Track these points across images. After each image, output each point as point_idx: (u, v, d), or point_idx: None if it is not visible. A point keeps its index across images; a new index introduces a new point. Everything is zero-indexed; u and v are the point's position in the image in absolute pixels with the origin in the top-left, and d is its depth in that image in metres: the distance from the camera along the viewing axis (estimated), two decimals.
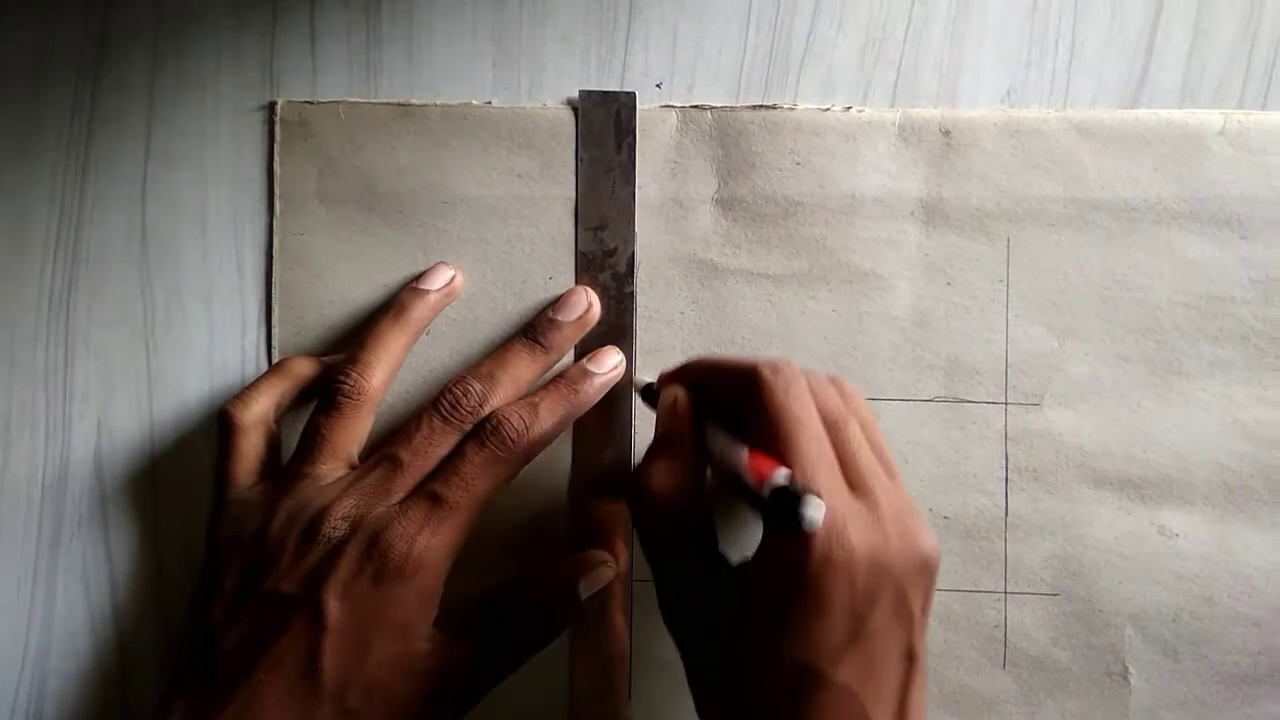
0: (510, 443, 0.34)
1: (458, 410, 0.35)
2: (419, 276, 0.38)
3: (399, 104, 0.38)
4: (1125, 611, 0.38)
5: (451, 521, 0.33)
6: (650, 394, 0.36)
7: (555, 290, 0.38)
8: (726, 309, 0.38)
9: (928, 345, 0.38)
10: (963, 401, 0.38)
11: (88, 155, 0.38)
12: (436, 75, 0.39)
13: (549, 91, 0.39)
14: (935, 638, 0.38)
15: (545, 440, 0.35)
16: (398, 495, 0.34)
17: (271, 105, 0.38)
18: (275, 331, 0.38)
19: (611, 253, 0.38)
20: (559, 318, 0.37)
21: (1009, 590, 0.38)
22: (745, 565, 0.31)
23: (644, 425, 0.38)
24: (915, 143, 0.38)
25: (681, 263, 0.38)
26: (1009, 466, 0.38)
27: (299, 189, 0.38)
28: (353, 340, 0.37)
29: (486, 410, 0.35)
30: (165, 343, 0.38)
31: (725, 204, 0.38)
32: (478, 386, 0.35)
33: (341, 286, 0.38)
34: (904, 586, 0.29)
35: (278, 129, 0.38)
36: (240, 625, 0.33)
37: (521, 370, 0.36)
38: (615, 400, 0.38)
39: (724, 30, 0.39)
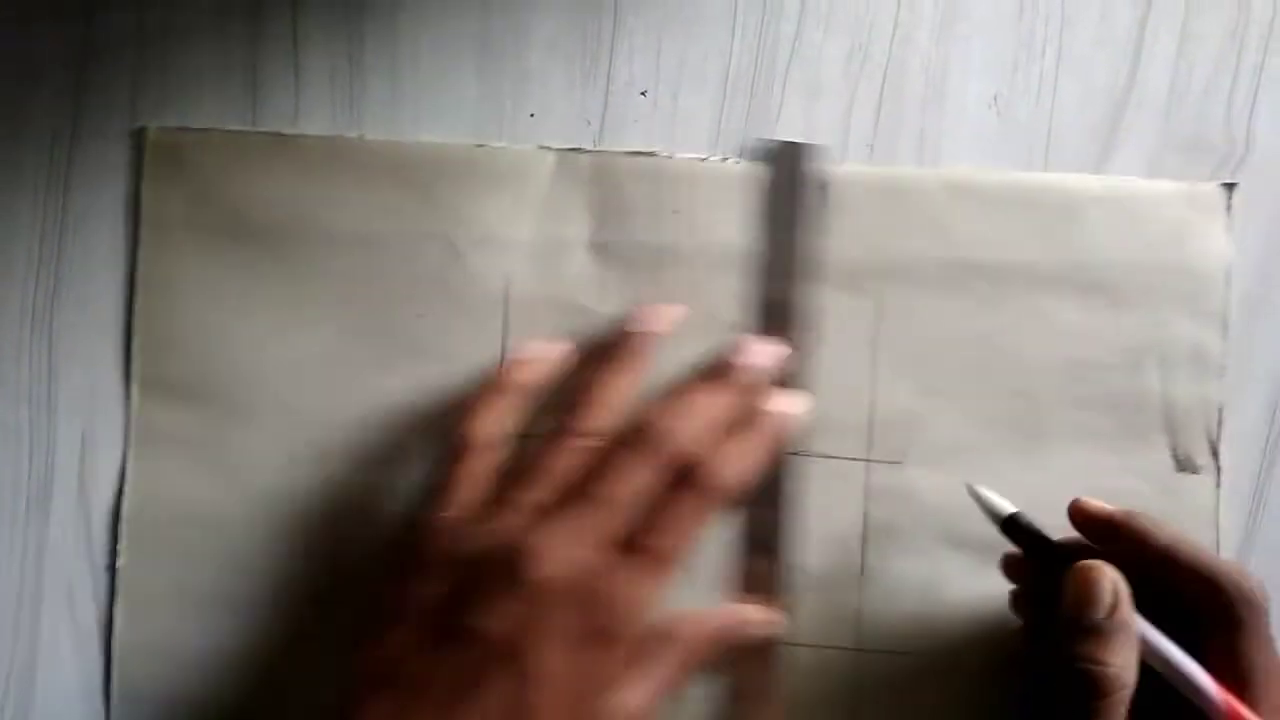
0: (717, 491, 0.34)
1: (653, 446, 0.34)
2: (636, 317, 0.37)
3: (274, 133, 0.38)
4: (980, 673, 0.38)
5: (663, 576, 0.33)
6: (1015, 528, 0.34)
7: (425, 329, 0.38)
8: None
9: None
10: (827, 457, 0.38)
11: (70, 167, 0.38)
12: (420, 105, 0.39)
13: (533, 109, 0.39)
14: (791, 693, 0.38)
15: (746, 484, 0.35)
16: (605, 539, 0.33)
17: (141, 131, 0.38)
18: (135, 361, 0.38)
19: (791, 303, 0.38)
20: (745, 363, 0.37)
21: (860, 647, 0.38)
22: None
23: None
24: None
25: (555, 304, 0.38)
26: (867, 524, 0.38)
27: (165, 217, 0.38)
28: (218, 378, 0.38)
29: (681, 446, 0.34)
30: None
31: (598, 248, 0.38)
32: (680, 425, 0.35)
33: (203, 314, 0.38)
34: None
35: (146, 155, 0.38)
36: (440, 658, 0.32)
37: (717, 411, 0.36)
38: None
39: (710, 37, 0.39)
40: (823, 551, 0.38)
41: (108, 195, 0.38)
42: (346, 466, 0.38)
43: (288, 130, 0.38)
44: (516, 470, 0.35)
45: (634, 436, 0.34)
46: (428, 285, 0.38)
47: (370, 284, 0.38)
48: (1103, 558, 0.32)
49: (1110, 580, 0.31)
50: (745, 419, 0.36)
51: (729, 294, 0.38)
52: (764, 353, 0.37)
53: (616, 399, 0.36)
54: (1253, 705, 0.30)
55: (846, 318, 0.38)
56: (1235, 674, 0.30)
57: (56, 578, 0.38)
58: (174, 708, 0.37)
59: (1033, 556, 0.34)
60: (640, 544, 0.33)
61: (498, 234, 0.38)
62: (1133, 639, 0.30)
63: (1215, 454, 0.38)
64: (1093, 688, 0.30)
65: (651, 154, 0.38)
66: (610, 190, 0.38)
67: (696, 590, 0.37)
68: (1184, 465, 0.38)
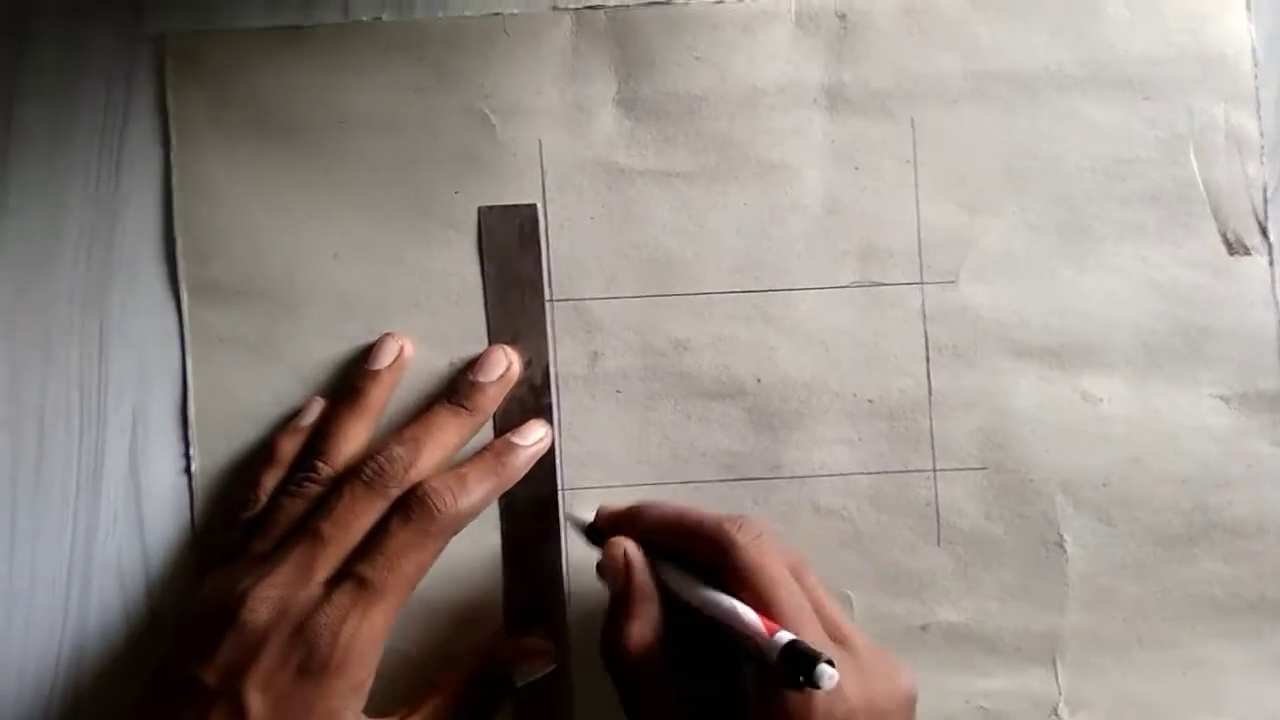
0: (437, 515, 0.33)
1: (382, 477, 0.34)
2: (367, 355, 0.37)
3: (289, 26, 0.38)
4: (1055, 480, 0.38)
5: (380, 605, 0.32)
6: (593, 533, 0.36)
7: (462, 203, 0.38)
8: (636, 211, 0.38)
9: (840, 232, 0.38)
10: (879, 285, 0.38)
11: (122, 148, 0.38)
12: None
13: None
14: (868, 519, 0.38)
15: (473, 513, 0.35)
16: (321, 574, 0.33)
17: (160, 37, 0.38)
18: (180, 265, 0.38)
19: (526, 365, 0.38)
20: (480, 379, 0.37)
21: (938, 468, 0.38)
22: (726, 713, 0.33)
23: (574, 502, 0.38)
24: (813, 29, 0.38)
25: (588, 168, 0.38)
26: (929, 345, 0.38)
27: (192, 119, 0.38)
28: (262, 274, 0.38)
29: (412, 476, 0.34)
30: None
31: (627, 105, 0.38)
32: (402, 452, 0.35)
33: (242, 213, 0.38)
34: None
35: (167, 61, 0.38)
36: (158, 710, 0.32)
37: (447, 435, 0.36)
38: (543, 478, 0.38)
39: None
40: (889, 379, 0.38)
41: (158, 174, 0.38)
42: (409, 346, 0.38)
43: (302, 22, 0.38)
44: (260, 524, 0.35)
45: (360, 470, 0.34)
46: (460, 160, 0.38)
47: (403, 165, 0.38)
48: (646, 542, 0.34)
49: (620, 551, 0.33)
50: (487, 446, 0.37)
51: (771, 132, 0.38)
52: (498, 367, 0.37)
53: (344, 437, 0.36)
54: (770, 610, 0.31)
55: (882, 145, 0.38)
56: (745, 589, 0.32)
57: (106, 556, 0.38)
58: None
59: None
60: (354, 573, 0.33)
61: (524, 101, 0.38)
62: (648, 596, 0.33)
63: (1265, 233, 0.38)
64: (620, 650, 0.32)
65: (667, 2, 0.38)
66: (630, 44, 0.38)
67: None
68: (1235, 248, 0.38)
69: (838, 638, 0.32)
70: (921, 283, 0.38)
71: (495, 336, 0.38)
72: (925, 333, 0.38)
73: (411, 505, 0.34)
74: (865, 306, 0.38)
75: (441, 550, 0.34)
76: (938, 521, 0.38)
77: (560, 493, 0.38)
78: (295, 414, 0.37)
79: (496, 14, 0.38)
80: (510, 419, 0.38)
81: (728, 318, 0.38)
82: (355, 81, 0.38)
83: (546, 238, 0.38)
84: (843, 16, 0.38)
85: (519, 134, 0.38)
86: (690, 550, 0.33)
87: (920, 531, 0.38)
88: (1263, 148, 0.38)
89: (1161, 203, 0.38)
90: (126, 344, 0.38)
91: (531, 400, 0.38)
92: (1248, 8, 0.38)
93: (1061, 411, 0.38)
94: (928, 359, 0.38)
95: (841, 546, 0.38)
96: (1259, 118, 0.38)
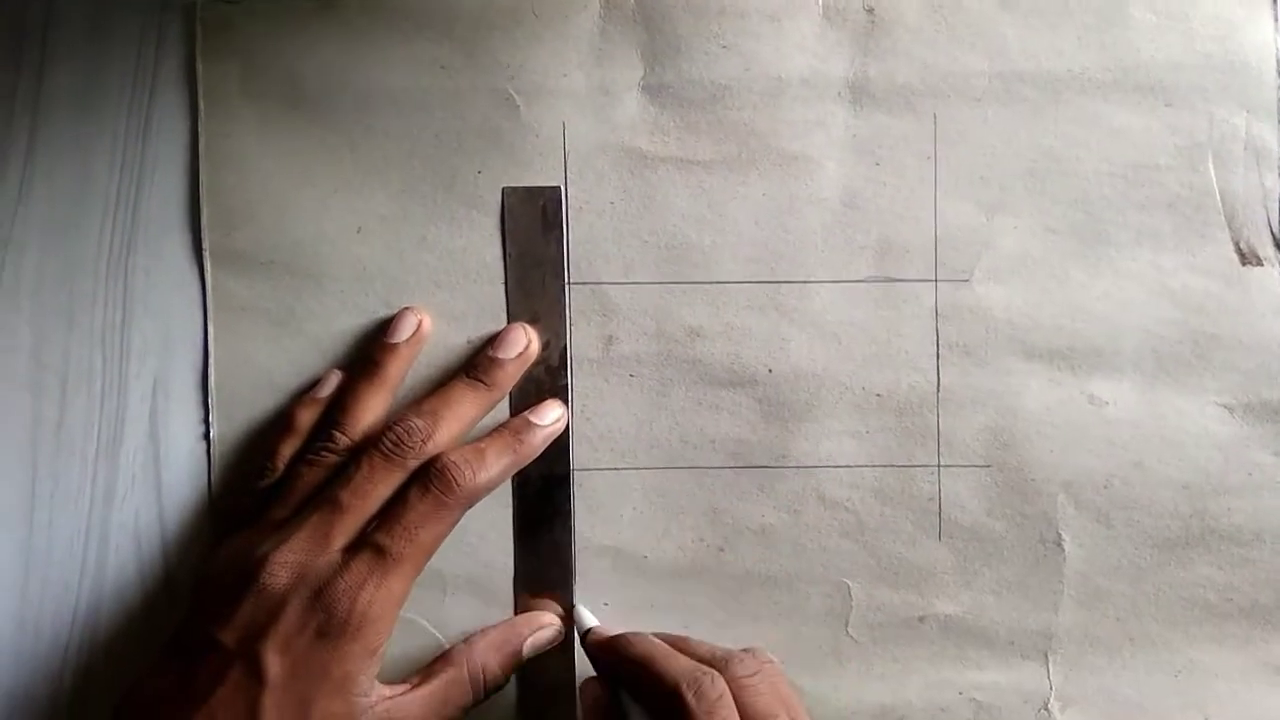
0: (455, 488, 0.34)
1: (400, 448, 0.35)
2: (386, 328, 0.37)
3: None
4: (1057, 480, 0.38)
5: (397, 573, 0.33)
6: (586, 644, 0.36)
7: (485, 182, 0.38)
8: (657, 197, 0.38)
9: (858, 226, 0.38)
10: (894, 280, 0.38)
11: (149, 116, 0.38)
12: None
13: None
14: (872, 512, 0.38)
15: (490, 487, 0.36)
16: (339, 541, 0.34)
17: (191, 6, 0.38)
18: (205, 233, 0.38)
19: (544, 346, 0.38)
20: (500, 355, 0.37)
21: (942, 464, 0.38)
22: None
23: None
24: (840, 22, 0.38)
25: (610, 152, 0.38)
26: (940, 342, 0.38)
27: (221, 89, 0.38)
28: (286, 245, 0.38)
29: (430, 448, 0.35)
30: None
31: (652, 90, 0.38)
32: (420, 424, 0.35)
33: (268, 184, 0.38)
34: None
35: (198, 29, 0.38)
36: (176, 667, 0.33)
37: (465, 408, 0.36)
38: (556, 458, 0.38)
39: None
40: (899, 374, 0.38)
41: (185, 142, 0.38)
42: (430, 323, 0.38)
43: None
44: (278, 492, 0.36)
45: (379, 441, 0.35)
46: (484, 140, 0.38)
47: (427, 142, 0.38)
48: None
49: (587, 693, 0.34)
50: (504, 423, 0.37)
51: (793, 123, 0.38)
52: (518, 344, 0.37)
53: (361, 408, 0.36)
54: None
55: (904, 141, 0.38)
56: None
57: (124, 519, 0.38)
58: None
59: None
60: (373, 542, 0.33)
61: (549, 83, 0.38)
62: None
63: (1278, 244, 0.38)
64: None
65: None
66: (657, 29, 0.38)
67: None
68: (1248, 258, 0.38)
69: None
70: (936, 280, 0.38)
71: (514, 317, 0.38)
72: (937, 330, 0.38)
73: (431, 477, 0.34)
74: (879, 301, 0.38)
75: (457, 522, 0.35)
76: (940, 516, 0.38)
77: (571, 473, 0.38)
78: (313, 385, 0.38)
79: None
80: (526, 398, 0.38)
81: (742, 307, 0.38)
82: (383, 57, 0.38)
83: (567, 220, 0.38)
84: (870, 10, 0.38)
85: (543, 115, 0.38)
86: (655, 703, 0.33)
87: (922, 525, 0.38)
88: None
89: (1178, 210, 0.38)
90: (149, 311, 0.38)
91: (548, 380, 0.38)
92: (1275, 18, 0.38)
93: (1068, 413, 0.38)
94: (938, 356, 0.38)
95: (844, 537, 0.38)
96: (1279, 129, 0.38)
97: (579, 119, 0.38)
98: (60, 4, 0.38)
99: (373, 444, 0.35)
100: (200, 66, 0.38)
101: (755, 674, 0.33)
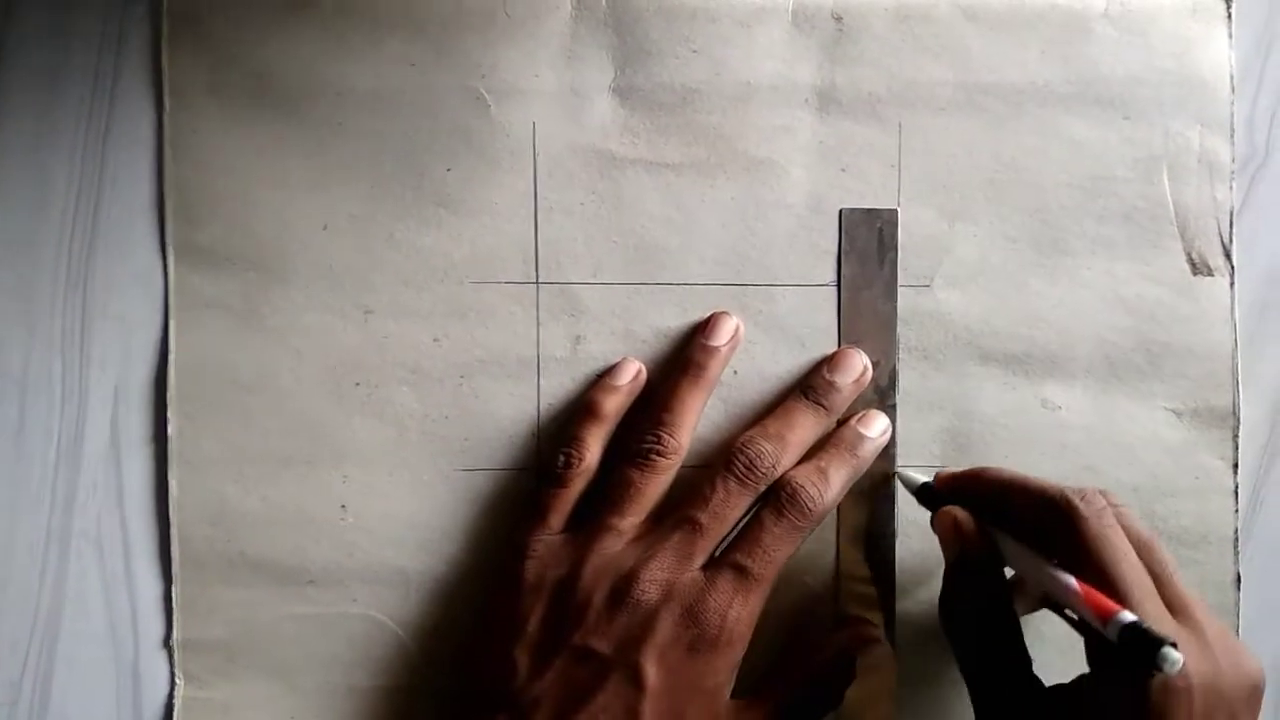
0: (807, 511, 0.35)
1: (753, 473, 0.36)
2: (706, 330, 0.38)
3: None
4: None
5: (757, 592, 0.35)
6: (927, 493, 0.37)
7: (454, 181, 0.38)
8: (626, 199, 0.39)
9: (823, 231, 0.39)
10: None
11: (110, 119, 0.38)
12: None
13: None
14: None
15: (835, 505, 0.37)
16: (699, 559, 0.35)
17: None
18: (169, 228, 0.38)
19: (875, 364, 0.39)
20: (837, 380, 0.38)
21: (899, 465, 0.39)
22: (1065, 689, 0.33)
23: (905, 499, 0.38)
24: (808, 29, 0.39)
25: (580, 153, 0.39)
26: (900, 346, 0.39)
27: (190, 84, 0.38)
28: (252, 242, 0.38)
29: (777, 472, 0.36)
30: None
31: (623, 93, 0.39)
32: (770, 448, 0.36)
33: (234, 180, 0.38)
34: (1237, 714, 0.31)
35: (165, 21, 0.38)
36: (551, 674, 0.34)
37: (805, 432, 0.37)
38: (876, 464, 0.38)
39: None
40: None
41: (145, 147, 0.38)
42: (391, 323, 0.38)
43: None
44: (608, 492, 0.37)
45: (732, 464, 0.36)
46: (454, 138, 0.38)
47: (397, 140, 0.38)
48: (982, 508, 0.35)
49: (950, 519, 0.35)
50: (836, 438, 0.38)
51: (761, 128, 0.39)
52: (855, 370, 0.38)
53: (685, 410, 0.37)
54: (1108, 585, 0.31)
55: (869, 148, 0.39)
56: (1084, 562, 0.32)
57: (85, 526, 0.38)
58: (234, 569, 0.38)
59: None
60: (734, 562, 0.35)
61: (520, 83, 0.38)
62: (986, 562, 0.34)
63: (1228, 255, 0.39)
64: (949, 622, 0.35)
65: None
66: (629, 32, 0.39)
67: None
68: (1199, 268, 0.39)
69: (1180, 613, 0.32)
70: (898, 285, 0.39)
71: (846, 338, 0.39)
72: (897, 334, 0.39)
73: (783, 501, 0.35)
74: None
75: (802, 540, 0.36)
76: (894, 517, 0.39)
77: (538, 472, 0.39)
78: (606, 371, 0.38)
79: None
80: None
81: (709, 309, 0.39)
82: (354, 54, 0.38)
83: (536, 219, 0.39)
84: (839, 19, 0.39)
85: (513, 116, 0.38)
86: (1028, 519, 0.34)
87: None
88: (1232, 173, 0.39)
89: (1133, 221, 0.39)
90: (110, 315, 0.38)
91: (877, 401, 0.39)
92: (1229, 35, 0.39)
93: (1022, 417, 0.39)
94: (897, 359, 0.39)
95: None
96: (1231, 143, 0.39)
97: (549, 119, 0.39)
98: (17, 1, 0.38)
99: (724, 467, 0.36)
100: (166, 61, 0.38)
101: (1124, 504, 0.34)
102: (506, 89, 0.38)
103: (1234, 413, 0.39)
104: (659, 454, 0.36)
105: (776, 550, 0.35)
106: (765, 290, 0.39)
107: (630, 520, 0.36)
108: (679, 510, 0.36)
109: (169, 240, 0.38)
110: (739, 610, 0.34)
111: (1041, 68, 0.39)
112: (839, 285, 0.39)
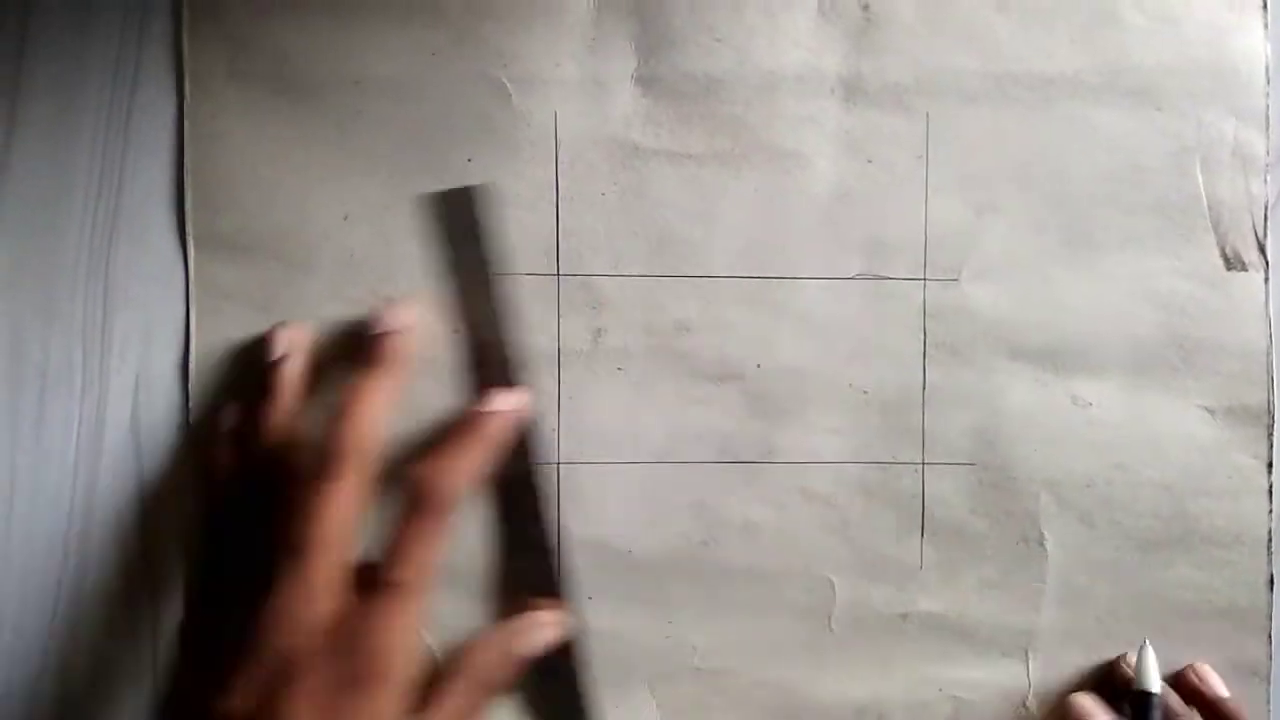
0: (438, 504, 0.33)
1: (338, 457, 0.33)
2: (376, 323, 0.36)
3: None
4: (1040, 479, 0.39)
5: (411, 603, 0.32)
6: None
7: (475, 171, 0.38)
8: (649, 190, 0.38)
9: (848, 223, 0.38)
10: (882, 279, 0.39)
11: (130, 108, 0.37)
12: None
13: None
14: (855, 508, 0.38)
15: (466, 489, 0.35)
16: (329, 582, 0.32)
17: None
18: (189, 218, 0.38)
19: (494, 347, 0.38)
20: (382, 330, 0.36)
21: (927, 461, 0.39)
22: None
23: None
24: (835, 18, 0.38)
25: (602, 143, 0.38)
26: (927, 341, 0.39)
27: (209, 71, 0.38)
28: (272, 231, 0.37)
29: (359, 437, 0.33)
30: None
31: (645, 82, 0.38)
32: (341, 425, 0.33)
33: (254, 169, 0.38)
34: None
35: (184, 6, 0.37)
36: None
37: (371, 393, 0.35)
38: (525, 453, 0.38)
39: None
40: (885, 372, 0.38)
41: (168, 131, 0.38)
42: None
43: None
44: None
45: (312, 466, 0.33)
46: (475, 128, 0.38)
47: (417, 129, 0.38)
48: None
49: None
50: (459, 421, 0.36)
51: (786, 119, 0.38)
52: (402, 316, 0.36)
53: (372, 410, 0.35)
54: None
55: (895, 139, 0.38)
56: None
57: (106, 516, 0.38)
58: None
59: None
60: (377, 578, 0.32)
61: (542, 72, 0.38)
62: None
63: (1263, 250, 0.38)
64: None
65: None
66: (651, 20, 0.38)
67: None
68: (1233, 263, 0.39)
69: None
70: (924, 279, 0.38)
71: (451, 313, 0.38)
72: (924, 328, 0.39)
73: (412, 500, 0.34)
74: (868, 299, 0.38)
75: (448, 531, 0.34)
76: (923, 513, 0.39)
77: (557, 466, 0.38)
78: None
79: None
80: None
81: (731, 302, 0.38)
82: (373, 41, 0.38)
83: (557, 210, 0.38)
84: (866, 7, 0.38)
85: (535, 105, 0.38)
86: None
87: (905, 522, 0.39)
88: (1267, 166, 0.38)
89: (1164, 214, 0.38)
90: (131, 303, 0.38)
91: (502, 381, 0.38)
92: (1265, 25, 0.38)
93: (1052, 413, 0.38)
94: (925, 354, 0.39)
95: (827, 533, 0.38)
96: (1267, 135, 0.38)
97: (571, 109, 0.38)
98: None
99: (310, 471, 0.33)
100: (186, 48, 0.37)
101: None
102: (528, 78, 0.38)
103: (1269, 411, 0.39)
104: (341, 463, 0.33)
105: (418, 553, 0.33)
106: (789, 283, 0.38)
107: (280, 556, 0.32)
108: (289, 537, 0.32)
109: (189, 230, 0.38)
110: (388, 628, 0.31)
111: (1071, 57, 0.38)
112: (441, 271, 0.37)
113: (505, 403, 0.37)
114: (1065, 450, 0.38)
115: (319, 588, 0.32)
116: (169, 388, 0.38)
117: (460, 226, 0.38)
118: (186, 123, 0.37)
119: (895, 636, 0.39)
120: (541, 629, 0.37)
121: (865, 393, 0.38)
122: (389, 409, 0.35)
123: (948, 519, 0.38)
